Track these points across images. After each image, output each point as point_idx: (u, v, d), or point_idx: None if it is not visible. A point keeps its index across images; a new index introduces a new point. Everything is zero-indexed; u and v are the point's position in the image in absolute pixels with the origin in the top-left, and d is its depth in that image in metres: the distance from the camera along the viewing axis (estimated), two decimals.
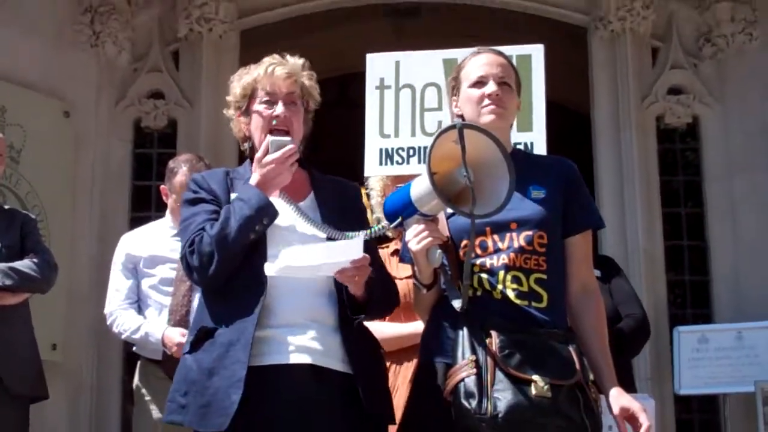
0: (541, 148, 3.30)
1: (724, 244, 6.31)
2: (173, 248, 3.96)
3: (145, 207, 6.53)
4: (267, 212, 2.48)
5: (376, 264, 2.63)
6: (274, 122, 2.60)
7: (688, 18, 6.61)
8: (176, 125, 6.53)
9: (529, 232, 2.53)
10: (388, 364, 2.91)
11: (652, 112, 6.49)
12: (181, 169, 3.99)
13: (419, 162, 3.48)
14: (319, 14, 6.98)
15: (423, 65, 3.63)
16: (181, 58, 6.63)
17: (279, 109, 2.60)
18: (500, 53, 2.72)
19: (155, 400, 3.91)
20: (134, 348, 4.10)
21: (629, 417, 2.50)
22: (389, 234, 3.45)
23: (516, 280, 2.50)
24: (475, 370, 2.35)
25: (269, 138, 2.55)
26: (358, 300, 2.51)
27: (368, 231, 2.52)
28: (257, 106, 2.63)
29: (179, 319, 3.84)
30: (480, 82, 2.66)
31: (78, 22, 6.35)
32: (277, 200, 2.56)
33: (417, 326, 3.25)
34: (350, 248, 2.41)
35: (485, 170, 2.47)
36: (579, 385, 2.42)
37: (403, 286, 2.97)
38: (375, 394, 2.51)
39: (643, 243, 6.14)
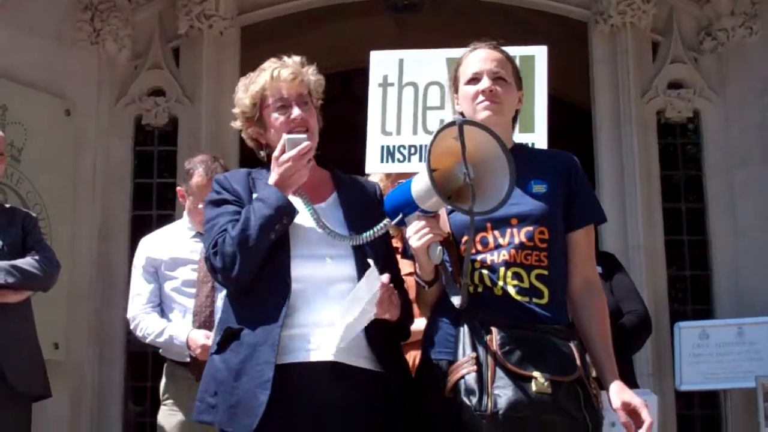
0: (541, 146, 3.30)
1: (725, 238, 6.30)
2: (193, 249, 3.97)
3: (146, 205, 6.54)
4: (286, 211, 2.49)
5: (395, 267, 2.68)
6: (292, 125, 2.61)
7: (689, 12, 6.60)
8: (177, 122, 6.52)
9: (530, 228, 2.53)
10: None
11: (653, 107, 6.49)
12: (197, 170, 3.98)
13: (420, 160, 3.49)
14: (320, 10, 6.98)
15: (426, 63, 3.63)
16: (182, 55, 6.62)
17: (295, 112, 2.62)
18: (496, 47, 2.72)
19: (180, 402, 3.90)
20: (160, 351, 4.10)
21: (631, 412, 2.49)
22: (390, 231, 3.45)
23: (517, 276, 2.51)
24: (475, 367, 2.36)
25: (285, 136, 2.55)
26: (394, 322, 2.54)
27: (370, 232, 2.52)
28: (273, 114, 2.64)
29: (204, 321, 3.83)
30: (474, 79, 2.66)
31: (78, 20, 6.34)
32: (296, 201, 2.57)
33: (416, 324, 3.27)
34: (370, 282, 2.43)
35: (486, 166, 2.47)
36: (580, 381, 2.43)
37: (412, 282, 2.97)
38: (403, 391, 2.53)
39: (643, 238, 6.14)
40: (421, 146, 3.53)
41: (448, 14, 7.36)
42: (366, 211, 2.62)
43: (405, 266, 2.94)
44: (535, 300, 2.50)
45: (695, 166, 6.59)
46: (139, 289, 4.01)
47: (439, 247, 2.49)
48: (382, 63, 3.67)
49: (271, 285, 2.48)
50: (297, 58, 2.71)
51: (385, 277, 2.45)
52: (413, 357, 3.28)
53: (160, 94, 6.53)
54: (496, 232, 2.54)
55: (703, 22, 6.55)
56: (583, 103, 6.94)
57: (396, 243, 3.41)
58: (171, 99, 6.50)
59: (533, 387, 2.34)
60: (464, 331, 2.42)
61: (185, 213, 4.12)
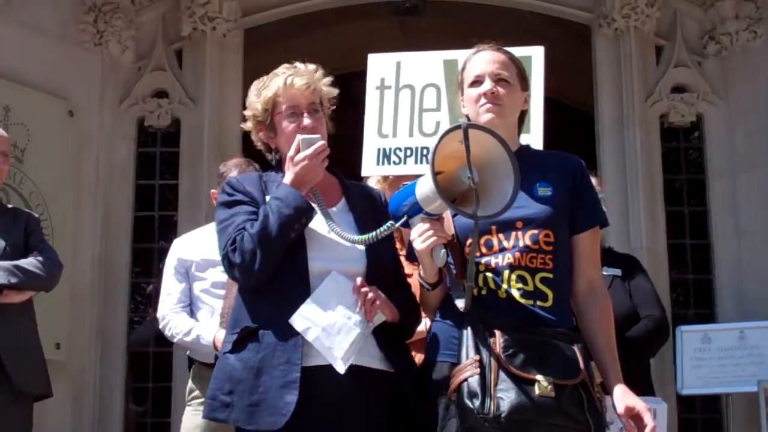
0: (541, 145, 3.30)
1: (728, 242, 6.30)
2: None
3: (148, 206, 6.54)
4: (305, 211, 2.52)
5: (399, 268, 2.71)
6: (302, 134, 2.63)
7: (693, 16, 6.60)
8: (180, 124, 6.53)
9: (535, 231, 2.53)
10: None
11: (656, 111, 6.49)
12: (231, 173, 3.99)
13: (416, 162, 3.49)
14: (324, 12, 6.98)
15: (423, 66, 3.64)
16: (185, 56, 6.63)
17: (306, 121, 2.64)
18: (500, 49, 2.71)
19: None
20: (188, 352, 4.11)
21: (634, 417, 2.49)
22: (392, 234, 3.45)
23: (521, 279, 2.51)
24: (478, 370, 2.36)
25: (299, 137, 2.59)
26: (396, 323, 2.57)
27: (375, 233, 2.52)
28: (284, 121, 2.67)
29: None
30: (477, 81, 2.66)
31: (82, 21, 6.35)
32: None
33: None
34: (337, 287, 2.49)
35: (491, 170, 2.47)
36: (583, 385, 2.42)
37: (412, 284, 2.97)
38: (415, 390, 2.55)
39: (646, 241, 6.13)
40: (416, 148, 3.53)
41: (451, 17, 7.36)
42: (374, 217, 2.64)
43: (408, 268, 2.94)
44: (539, 303, 2.50)
45: (698, 170, 6.59)
46: (170, 289, 4.03)
47: (443, 250, 2.50)
48: (379, 66, 3.68)
49: (291, 285, 2.51)
50: (311, 66, 2.73)
51: (358, 280, 2.49)
52: (416, 359, 3.29)
53: (163, 96, 6.54)
54: (501, 235, 2.54)
55: (707, 26, 6.54)
56: (587, 106, 6.93)
57: (397, 245, 3.41)
58: (174, 101, 6.50)
59: (536, 390, 2.34)
60: (467, 333, 2.42)
61: None
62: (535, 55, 3.46)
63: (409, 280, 2.78)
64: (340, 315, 2.47)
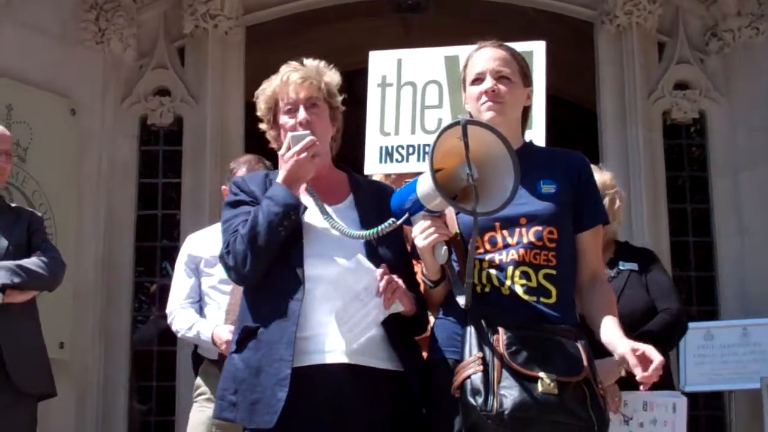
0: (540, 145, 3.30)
1: (730, 240, 6.30)
2: None
3: (151, 204, 6.55)
4: (293, 207, 2.51)
5: (410, 266, 2.70)
6: (298, 128, 2.63)
7: (695, 12, 6.59)
8: (182, 122, 6.53)
9: (539, 228, 2.53)
10: None
11: (659, 108, 6.48)
12: (240, 170, 4.02)
13: (418, 160, 3.48)
14: (326, 10, 6.98)
15: (425, 62, 3.63)
16: (187, 54, 6.63)
17: (300, 115, 2.64)
18: (501, 46, 2.70)
19: (212, 399, 3.92)
20: (198, 349, 4.13)
21: (641, 357, 2.41)
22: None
23: (525, 275, 2.50)
24: (481, 367, 2.35)
25: (289, 134, 2.59)
26: (410, 316, 2.56)
27: (376, 230, 2.52)
28: (282, 117, 2.67)
29: (235, 319, 3.86)
30: (479, 79, 2.65)
31: (83, 19, 6.35)
32: (309, 201, 2.60)
33: None
34: (357, 274, 2.46)
35: (490, 166, 2.47)
36: (587, 382, 2.42)
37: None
38: (423, 391, 2.53)
39: (648, 239, 6.13)
40: (419, 146, 3.52)
41: (453, 14, 7.36)
42: (382, 214, 2.61)
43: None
44: (542, 299, 2.50)
45: (701, 167, 6.58)
46: (179, 284, 4.06)
47: (444, 247, 2.49)
48: (380, 63, 3.67)
49: (286, 283, 2.50)
50: (314, 62, 2.72)
51: (379, 270, 2.46)
52: None
53: (165, 94, 6.54)
54: (505, 232, 2.54)
55: (709, 22, 6.54)
56: (589, 103, 6.93)
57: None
58: (176, 99, 6.50)
59: (539, 387, 2.33)
60: (471, 330, 2.42)
61: None
62: (536, 50, 3.46)
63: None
64: (359, 295, 2.45)
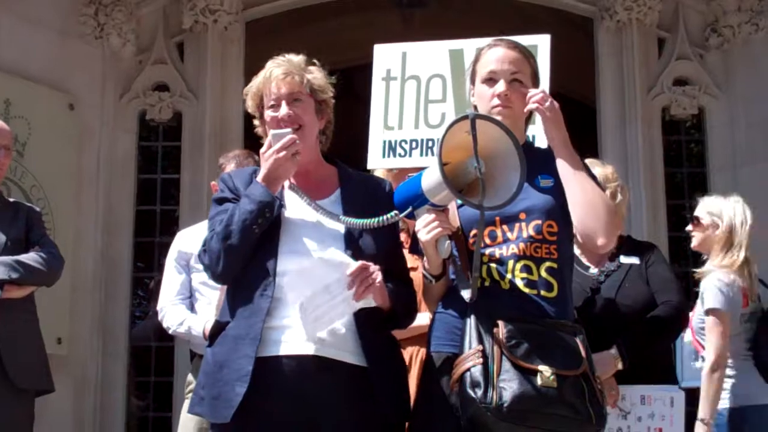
0: (543, 141, 3.29)
1: None
2: None
3: (150, 200, 6.54)
4: (268, 204, 2.51)
5: (399, 259, 2.67)
6: (282, 125, 2.62)
7: (695, 8, 6.59)
8: (181, 118, 6.52)
9: (539, 221, 2.54)
10: None
11: (658, 103, 6.48)
12: (229, 165, 4.03)
13: (422, 155, 3.47)
14: (325, 5, 6.97)
15: (429, 56, 3.61)
16: (186, 49, 6.62)
17: (282, 110, 2.63)
18: (515, 46, 2.70)
19: None
20: (190, 345, 4.15)
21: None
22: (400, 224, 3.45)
23: (526, 269, 2.51)
24: (481, 360, 2.36)
25: (270, 132, 2.58)
26: (384, 311, 2.53)
27: (377, 219, 2.51)
28: (266, 113, 2.67)
29: None
30: (491, 79, 2.65)
31: (82, 14, 6.34)
32: (291, 195, 2.59)
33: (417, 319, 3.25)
34: (330, 264, 2.45)
35: (497, 161, 2.47)
36: (585, 376, 2.43)
37: (415, 278, 2.97)
38: (390, 388, 2.52)
39: (647, 234, 6.12)
40: (422, 140, 3.51)
41: (453, 9, 7.36)
42: (371, 209, 2.60)
43: (410, 261, 2.93)
44: (543, 293, 2.50)
45: (700, 163, 6.58)
46: (169, 281, 4.07)
47: (448, 242, 2.50)
48: (385, 56, 3.66)
49: (258, 279, 2.50)
50: (299, 57, 2.71)
51: (354, 263, 2.45)
52: (413, 352, 3.28)
53: (165, 89, 6.53)
54: (505, 227, 2.55)
55: (709, 18, 6.53)
56: (588, 99, 6.93)
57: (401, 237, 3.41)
58: (175, 94, 6.50)
59: (539, 380, 2.34)
60: (471, 323, 2.43)
61: None
62: (541, 44, 3.44)
63: (413, 273, 2.77)
64: (328, 286, 2.43)
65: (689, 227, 4.36)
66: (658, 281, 3.45)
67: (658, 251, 3.61)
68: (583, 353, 2.45)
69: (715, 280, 4.03)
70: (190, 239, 4.12)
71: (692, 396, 6.18)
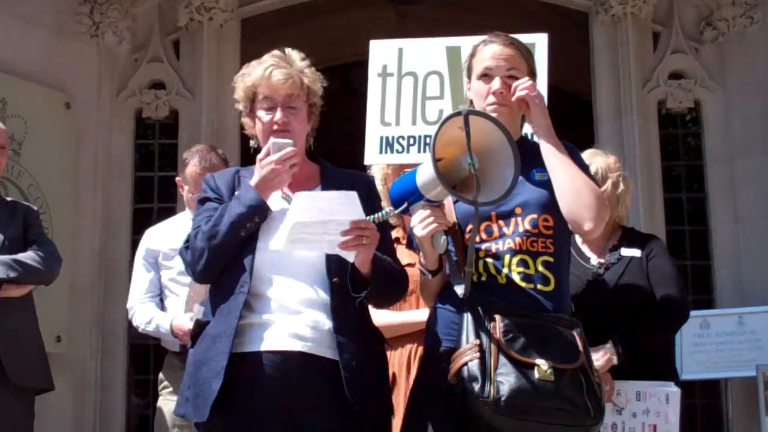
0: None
1: (726, 228, 6.31)
2: None
3: (147, 198, 6.54)
4: (259, 210, 2.53)
5: (387, 249, 2.66)
6: (274, 127, 2.64)
7: (690, 2, 6.59)
8: (178, 115, 6.52)
9: (534, 215, 2.55)
10: None
11: (654, 97, 6.48)
12: (192, 160, 4.04)
13: (419, 151, 3.48)
14: (321, 2, 6.96)
15: (426, 53, 3.61)
16: (182, 47, 6.61)
17: (278, 115, 2.64)
18: (511, 42, 2.70)
19: (175, 390, 3.92)
20: (162, 342, 4.13)
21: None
22: (390, 221, 3.45)
23: (522, 263, 2.52)
24: (478, 354, 2.37)
25: (271, 140, 2.59)
26: (363, 277, 2.52)
27: (372, 217, 2.52)
28: (259, 112, 2.67)
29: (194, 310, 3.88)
30: (486, 75, 2.66)
31: (77, 12, 6.33)
32: (276, 197, 2.61)
33: (410, 315, 3.26)
34: (346, 201, 2.42)
35: (491, 157, 2.48)
36: (582, 370, 2.44)
37: (412, 273, 2.98)
38: (362, 383, 2.50)
39: (644, 228, 6.12)
40: (419, 137, 3.52)
41: (449, 5, 7.35)
42: None
43: (404, 256, 2.94)
44: (540, 287, 2.51)
45: (696, 156, 6.59)
46: (138, 279, 4.07)
47: (444, 237, 2.51)
48: (381, 52, 3.66)
49: (234, 278, 2.52)
50: (299, 58, 2.71)
51: (366, 220, 2.44)
52: (411, 348, 3.29)
53: (161, 87, 6.52)
54: (501, 222, 2.56)
55: (703, 11, 6.53)
56: (584, 93, 6.93)
57: (398, 233, 3.41)
58: (171, 92, 6.49)
59: (536, 374, 2.35)
60: (467, 318, 2.44)
61: (186, 204, 4.16)
62: (538, 43, 3.45)
63: (410, 269, 2.77)
64: (326, 222, 2.41)
65: None
66: (658, 275, 3.44)
67: (661, 244, 3.60)
68: (580, 347, 2.46)
69: None
70: (158, 236, 4.12)
71: (691, 388, 6.24)
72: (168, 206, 6.47)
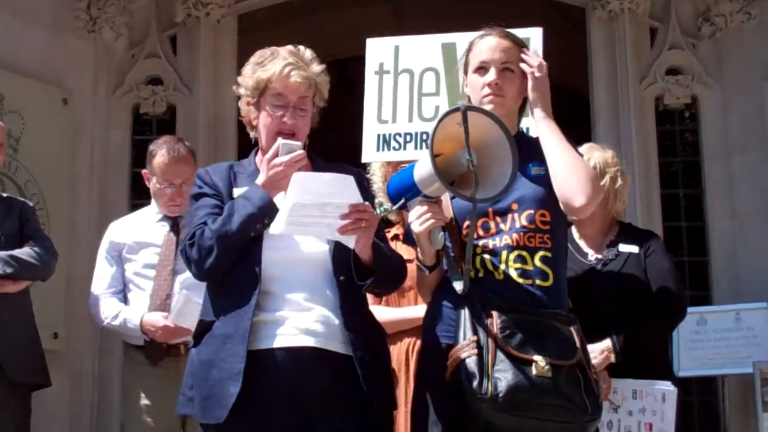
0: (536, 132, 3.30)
1: (723, 224, 6.31)
2: (158, 233, 4.02)
3: (144, 194, 6.48)
4: (268, 212, 2.52)
5: (381, 240, 2.66)
6: (283, 129, 2.64)
7: None
8: (175, 111, 6.51)
9: (531, 211, 2.55)
10: None
11: (651, 93, 6.48)
12: (160, 151, 4.03)
13: (416, 148, 3.48)
14: None
15: (422, 50, 3.62)
16: (179, 43, 6.60)
17: (288, 118, 2.63)
18: (507, 35, 2.71)
19: (140, 385, 3.91)
20: (124, 337, 4.11)
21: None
22: (391, 218, 3.46)
23: (520, 259, 2.52)
24: (476, 351, 2.37)
25: (280, 141, 2.58)
26: (365, 264, 2.52)
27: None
28: (268, 107, 2.66)
29: (159, 303, 3.88)
30: (482, 68, 2.66)
31: (75, 8, 6.32)
32: (279, 195, 2.59)
33: (409, 311, 3.26)
34: (342, 185, 2.43)
35: (489, 153, 2.48)
36: (580, 366, 2.44)
37: (410, 269, 2.98)
38: (374, 378, 2.52)
39: (641, 224, 6.11)
40: (416, 134, 3.52)
41: (445, 1, 7.34)
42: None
43: (403, 252, 2.94)
44: (538, 282, 2.52)
45: (693, 152, 6.59)
46: (101, 273, 4.07)
47: (441, 233, 2.51)
48: (377, 50, 3.66)
49: (242, 276, 2.51)
50: (311, 55, 2.70)
51: (365, 204, 2.45)
52: (410, 344, 3.30)
53: (158, 83, 6.51)
54: (498, 218, 2.56)
55: (701, 7, 6.53)
56: (581, 89, 6.93)
57: (397, 230, 3.42)
58: (169, 87, 6.48)
59: (533, 371, 2.36)
60: (465, 314, 2.44)
61: (152, 197, 4.14)
62: (533, 37, 3.45)
63: (408, 266, 2.78)
64: (325, 205, 2.42)
65: None
66: (656, 271, 3.43)
67: (659, 240, 3.60)
68: (578, 343, 2.47)
69: None
70: (122, 229, 4.12)
71: (688, 385, 6.25)
72: None
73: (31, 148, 5.84)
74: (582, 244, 3.51)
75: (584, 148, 3.36)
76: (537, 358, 2.37)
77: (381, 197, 3.31)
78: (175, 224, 4.00)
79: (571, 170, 2.54)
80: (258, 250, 2.52)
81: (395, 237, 3.37)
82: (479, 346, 2.38)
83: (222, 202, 2.61)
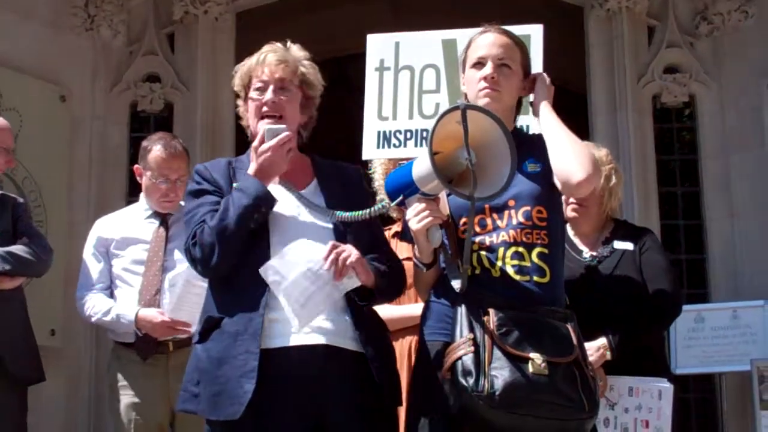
0: (536, 131, 3.30)
1: (721, 222, 6.31)
2: (146, 229, 4.00)
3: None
4: (264, 200, 2.51)
5: (383, 245, 2.69)
6: (264, 108, 2.61)
7: None
8: (173, 108, 6.51)
9: (528, 207, 2.55)
10: None
11: (649, 91, 6.48)
12: (155, 146, 4.01)
13: (416, 145, 3.47)
14: None
15: (422, 46, 3.61)
16: (177, 40, 6.60)
17: (268, 94, 2.62)
18: (505, 32, 2.71)
19: (129, 383, 3.89)
20: (110, 334, 4.08)
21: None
22: (392, 215, 3.46)
23: (517, 255, 2.52)
24: (472, 348, 2.37)
25: (264, 126, 2.57)
26: (368, 286, 2.53)
27: (369, 211, 2.52)
28: (251, 94, 2.66)
29: (149, 299, 3.86)
30: (479, 63, 2.66)
31: (73, 6, 6.32)
32: (279, 189, 2.59)
33: (409, 309, 3.26)
34: (311, 248, 2.45)
35: (488, 152, 2.48)
36: (577, 363, 2.44)
37: (409, 267, 2.98)
38: (386, 374, 2.54)
39: (639, 222, 6.12)
40: (416, 131, 3.51)
41: (445, 1, 7.33)
42: (347, 196, 2.63)
43: (403, 250, 2.94)
44: (536, 278, 2.51)
45: (691, 151, 6.59)
46: (89, 269, 4.03)
47: (439, 230, 2.51)
48: (378, 46, 3.65)
49: (251, 274, 2.48)
50: (297, 48, 2.71)
51: (332, 245, 2.46)
52: (410, 341, 3.30)
53: (156, 80, 6.51)
54: (494, 214, 2.56)
55: (698, 6, 6.53)
56: (579, 87, 6.93)
57: (398, 227, 3.42)
58: (166, 85, 6.48)
59: (530, 368, 2.36)
60: (461, 312, 2.44)
61: (142, 193, 4.13)
62: (533, 34, 3.44)
63: (407, 264, 2.78)
64: (308, 272, 2.43)
65: None
66: (651, 269, 3.43)
67: (654, 237, 3.59)
68: (574, 340, 2.47)
69: None
70: (110, 225, 4.10)
71: (686, 383, 6.26)
72: None
73: (28, 146, 5.82)
74: (577, 241, 3.51)
75: None
76: (534, 355, 2.37)
77: (382, 194, 3.31)
78: (164, 221, 4.00)
79: (570, 149, 2.55)
80: (265, 248, 2.51)
81: (395, 234, 3.37)
82: (476, 344, 2.37)
83: (223, 198, 2.59)
